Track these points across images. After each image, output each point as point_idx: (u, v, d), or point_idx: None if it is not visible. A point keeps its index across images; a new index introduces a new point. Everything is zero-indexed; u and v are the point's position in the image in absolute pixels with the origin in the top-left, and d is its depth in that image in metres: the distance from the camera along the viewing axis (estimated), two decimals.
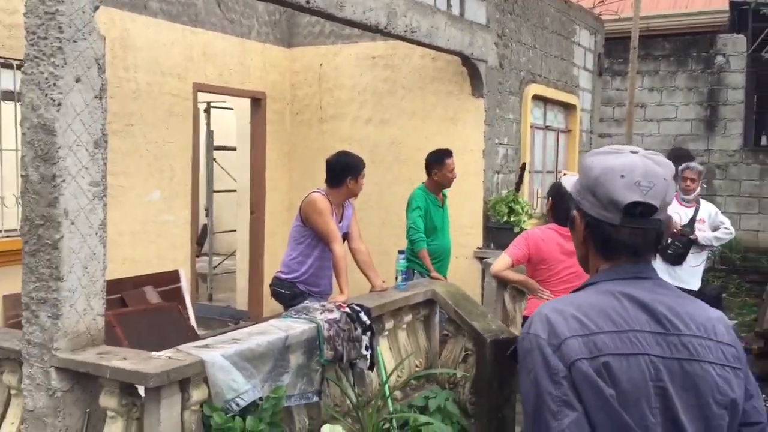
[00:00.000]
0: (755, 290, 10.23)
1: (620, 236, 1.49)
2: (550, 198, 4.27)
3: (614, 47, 11.79)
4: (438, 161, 5.67)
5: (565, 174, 4.56)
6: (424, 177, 5.82)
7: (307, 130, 7.99)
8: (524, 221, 6.95)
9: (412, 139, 7.34)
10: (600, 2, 11.77)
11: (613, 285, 1.48)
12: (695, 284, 6.38)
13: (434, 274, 5.43)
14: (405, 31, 5.69)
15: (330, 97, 7.86)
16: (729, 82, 11.59)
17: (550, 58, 8.58)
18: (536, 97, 8.39)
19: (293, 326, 3.70)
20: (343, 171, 4.66)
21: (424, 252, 5.53)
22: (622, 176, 1.47)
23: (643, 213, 1.46)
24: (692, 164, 6.45)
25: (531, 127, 8.35)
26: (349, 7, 5.00)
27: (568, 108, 9.35)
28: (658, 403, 1.38)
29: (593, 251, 1.57)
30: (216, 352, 3.13)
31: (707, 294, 5.83)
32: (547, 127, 8.88)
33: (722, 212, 11.59)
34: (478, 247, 7.03)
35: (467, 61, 6.85)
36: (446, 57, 7.02)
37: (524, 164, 7.36)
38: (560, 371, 1.37)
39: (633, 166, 1.48)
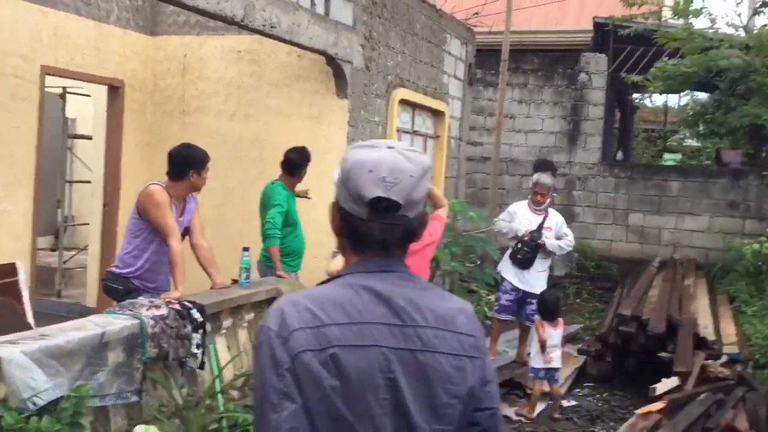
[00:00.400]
0: (606, 296, 10.82)
1: (369, 230, 1.49)
2: None
3: (487, 59, 12.15)
4: (304, 164, 5.78)
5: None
6: None
7: (169, 121, 7.73)
8: None
9: (277, 136, 7.24)
10: (474, 14, 12.13)
11: (356, 278, 1.48)
12: (540, 288, 6.67)
13: (280, 272, 5.39)
14: (264, 26, 5.60)
15: (194, 89, 7.64)
16: (590, 98, 12.22)
17: (420, 64, 8.73)
18: (404, 102, 8.50)
19: (113, 322, 3.54)
20: (186, 164, 4.52)
21: (275, 249, 5.49)
22: (370, 171, 1.47)
23: (388, 208, 1.46)
24: (542, 179, 6.69)
25: (398, 130, 8.46)
26: None
27: (437, 114, 9.54)
28: (387, 393, 1.39)
29: (346, 244, 1.57)
30: (16, 349, 2.94)
31: (546, 298, 6.07)
32: (415, 131, 9.02)
33: (580, 222, 12.31)
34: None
35: (332, 61, 6.84)
36: (312, 55, 6.98)
37: None
38: (284, 363, 1.36)
39: (381, 162, 1.48)
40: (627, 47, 11.62)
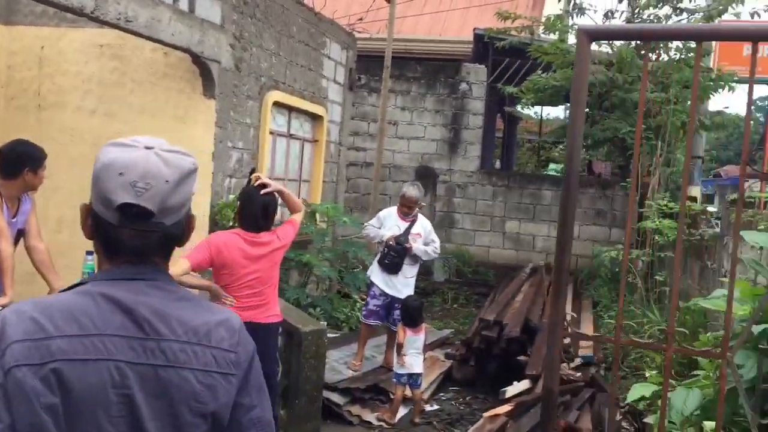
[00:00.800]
0: (481, 302, 11.05)
1: (119, 236, 1.38)
2: (239, 203, 4.22)
3: (372, 65, 12.23)
4: None
5: (258, 175, 4.54)
6: None
7: (24, 116, 7.26)
8: None
9: (140, 135, 6.95)
10: (359, 20, 12.17)
11: (98, 285, 1.37)
12: (408, 294, 6.71)
13: None
14: (118, 19, 5.35)
15: (51, 84, 7.22)
16: (470, 108, 12.53)
17: (296, 67, 8.64)
18: (280, 104, 8.39)
19: None
20: (20, 161, 4.23)
21: None
22: (121, 174, 1.36)
23: (139, 215, 1.36)
24: (409, 192, 6.69)
25: (272, 133, 8.33)
26: None
27: (315, 118, 9.48)
28: (122, 411, 1.29)
29: (98, 249, 1.45)
30: None
31: (409, 305, 6.11)
32: (291, 135, 8.92)
33: (459, 228, 12.55)
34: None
35: (197, 60, 6.64)
36: (179, 53, 6.74)
37: (253, 169, 7.29)
38: None
39: (134, 164, 1.37)
40: (505, 59, 11.99)
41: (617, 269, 8.20)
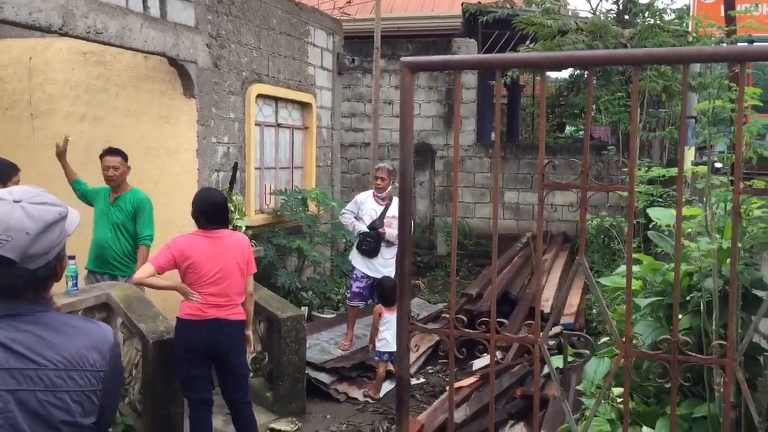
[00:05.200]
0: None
1: None
2: (192, 205, 4.50)
3: (364, 46, 12.41)
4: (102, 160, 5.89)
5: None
6: (141, 177, 6.02)
7: (18, 126, 7.63)
8: (237, 219, 7.18)
9: (128, 137, 7.26)
10: (347, 2, 12.32)
11: None
12: (389, 274, 6.99)
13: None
14: (88, 33, 5.63)
15: (41, 93, 7.56)
16: (463, 82, 12.63)
17: (279, 58, 8.86)
18: (265, 96, 8.65)
19: None
20: None
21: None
22: None
23: (2, 262, 1.61)
24: (382, 164, 6.99)
25: (259, 125, 8.60)
26: (9, 9, 4.88)
27: (304, 106, 9.72)
28: (8, 430, 1.58)
29: None
30: None
31: (383, 284, 6.39)
32: (279, 124, 9.18)
33: (459, 202, 12.74)
34: None
35: (174, 62, 6.91)
36: (158, 56, 7.03)
37: (236, 164, 7.58)
38: None
39: None
40: (495, 32, 12.06)
41: (602, 236, 8.37)
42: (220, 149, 7.68)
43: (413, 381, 6.73)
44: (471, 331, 2.11)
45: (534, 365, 2.07)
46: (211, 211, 4.43)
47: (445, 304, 9.44)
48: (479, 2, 11.87)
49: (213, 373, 4.62)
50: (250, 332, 4.71)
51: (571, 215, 12.25)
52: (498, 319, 2.06)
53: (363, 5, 13.17)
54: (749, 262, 3.01)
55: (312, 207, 9.01)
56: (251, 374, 5.87)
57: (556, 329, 6.89)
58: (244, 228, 7.17)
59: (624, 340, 1.98)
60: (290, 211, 8.35)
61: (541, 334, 2.00)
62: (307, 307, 7.81)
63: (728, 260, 2.91)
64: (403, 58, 1.95)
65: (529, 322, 2.31)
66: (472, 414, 5.03)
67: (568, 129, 23.33)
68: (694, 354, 1.91)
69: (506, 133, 17.55)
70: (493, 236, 2.05)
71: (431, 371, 7.17)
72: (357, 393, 6.39)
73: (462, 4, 12.21)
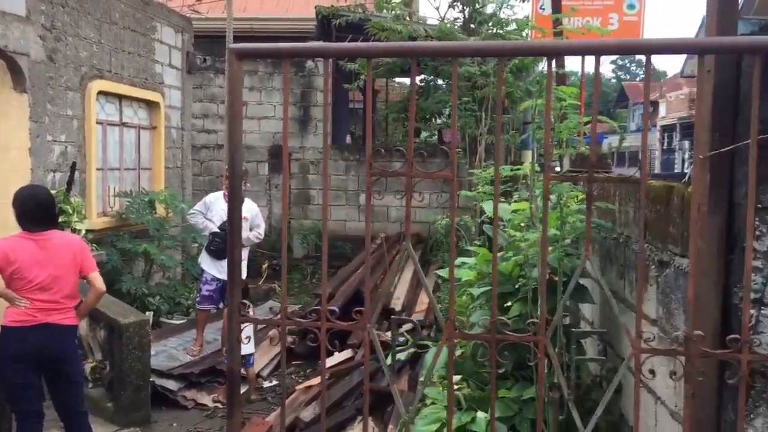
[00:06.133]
0: None
1: None
2: (13, 206, 4.17)
3: (216, 46, 12.12)
4: None
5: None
6: None
7: None
8: (76, 222, 6.78)
9: None
10: (197, 1, 12.00)
11: None
12: (243, 275, 6.85)
13: None
14: None
15: None
16: (318, 85, 12.68)
17: (123, 54, 8.47)
18: (107, 93, 8.24)
19: None
20: None
21: None
22: None
23: None
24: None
25: (102, 123, 8.18)
26: None
27: (151, 105, 9.35)
28: None
29: None
30: None
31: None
32: (124, 123, 8.77)
33: (316, 204, 12.77)
34: None
35: (3, 54, 6.42)
36: None
37: (74, 163, 7.16)
38: None
39: None
40: (348, 36, 12.18)
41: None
42: (56, 148, 7.22)
43: (265, 384, 6.65)
44: (302, 320, 2.10)
45: (365, 353, 2.10)
46: (37, 210, 4.10)
47: (299, 306, 9.41)
48: (333, 6, 11.94)
49: (44, 383, 4.32)
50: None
51: (424, 216, 12.60)
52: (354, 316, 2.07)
53: (215, 4, 12.87)
54: (571, 252, 3.23)
55: (160, 209, 8.68)
56: (90, 385, 5.57)
57: (408, 326, 7.06)
58: (84, 231, 6.79)
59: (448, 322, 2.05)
60: (136, 214, 8.00)
61: (371, 320, 2.03)
62: (152, 313, 7.50)
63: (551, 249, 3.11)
64: (230, 45, 1.93)
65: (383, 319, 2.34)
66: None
67: (423, 134, 24.03)
68: (509, 333, 2.02)
69: (361, 137, 17.77)
70: (323, 240, 2.06)
71: (285, 374, 7.10)
72: (206, 399, 6.23)
73: (316, 6, 12.23)
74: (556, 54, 1.84)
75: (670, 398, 2.69)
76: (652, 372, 1.90)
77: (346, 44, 2.10)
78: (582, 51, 1.74)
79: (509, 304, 3.20)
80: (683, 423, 1.82)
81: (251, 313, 6.28)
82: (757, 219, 1.98)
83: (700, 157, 2.03)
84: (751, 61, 1.79)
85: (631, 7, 11.53)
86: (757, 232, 1.99)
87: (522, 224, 3.37)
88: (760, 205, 1.98)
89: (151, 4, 9.18)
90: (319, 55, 2.01)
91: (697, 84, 1.74)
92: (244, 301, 2.10)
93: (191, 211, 7.11)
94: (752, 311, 2.04)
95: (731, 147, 2.04)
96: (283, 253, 2.15)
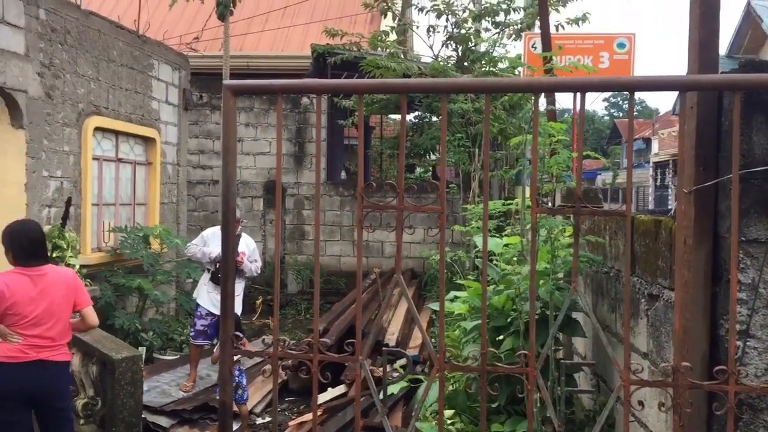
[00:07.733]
0: None
1: None
2: (3, 243, 4.17)
3: (213, 83, 12.30)
4: None
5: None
6: None
7: None
8: (70, 257, 6.78)
9: None
10: (195, 39, 12.17)
11: None
12: (238, 310, 6.84)
13: None
14: None
15: None
16: (313, 121, 12.80)
17: (120, 91, 8.57)
18: (104, 130, 8.31)
19: None
20: None
21: None
22: None
23: None
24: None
25: (98, 159, 8.24)
26: None
27: (147, 141, 9.42)
28: None
29: None
30: None
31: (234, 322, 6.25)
32: (120, 159, 8.83)
33: (310, 240, 12.78)
34: None
35: (1, 91, 6.49)
36: None
37: (69, 199, 7.20)
38: None
39: None
40: (344, 73, 12.34)
41: (446, 271, 8.71)
42: (52, 184, 7.26)
43: (258, 420, 6.59)
44: (294, 352, 2.12)
45: (355, 383, 2.11)
46: (30, 245, 4.10)
47: (294, 341, 9.35)
48: (328, 44, 12.12)
49: (34, 420, 4.28)
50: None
51: (418, 252, 12.63)
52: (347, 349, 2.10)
53: (212, 42, 13.05)
54: (562, 286, 3.25)
55: (155, 245, 8.69)
56: (82, 421, 5.51)
57: (402, 361, 7.03)
58: (77, 266, 6.78)
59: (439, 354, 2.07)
60: (131, 249, 8.00)
61: (363, 352, 2.05)
62: (145, 348, 7.46)
63: (543, 283, 3.13)
64: (225, 81, 1.98)
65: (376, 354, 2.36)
66: None
67: (418, 170, 24.19)
68: (500, 365, 2.03)
69: (355, 172, 17.87)
70: (315, 273, 2.09)
71: (279, 409, 7.05)
72: None
73: (311, 45, 12.41)
74: (540, 90, 1.90)
75: (661, 431, 2.70)
76: (641, 403, 1.91)
77: (335, 80, 2.15)
78: (566, 87, 1.80)
79: (502, 337, 3.21)
80: None
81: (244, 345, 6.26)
82: (740, 251, 2.02)
83: (685, 191, 2.07)
84: (732, 98, 1.84)
85: (621, 46, 11.73)
86: (741, 265, 2.03)
87: (514, 258, 3.40)
88: (743, 238, 2.02)
89: (148, 42, 9.31)
90: (310, 90, 2.07)
91: (679, 120, 1.79)
92: (238, 333, 2.13)
93: (188, 244, 7.11)
94: (738, 342, 2.06)
95: (715, 181, 2.09)
96: (275, 287, 2.18)
